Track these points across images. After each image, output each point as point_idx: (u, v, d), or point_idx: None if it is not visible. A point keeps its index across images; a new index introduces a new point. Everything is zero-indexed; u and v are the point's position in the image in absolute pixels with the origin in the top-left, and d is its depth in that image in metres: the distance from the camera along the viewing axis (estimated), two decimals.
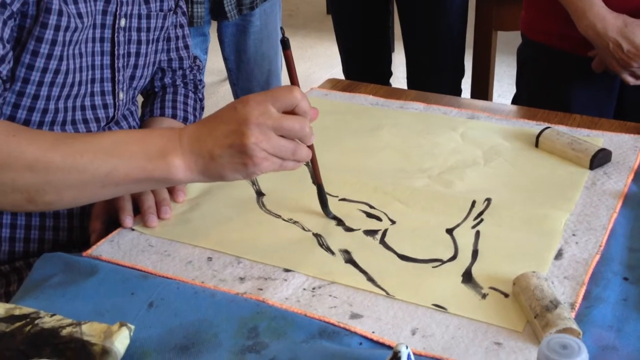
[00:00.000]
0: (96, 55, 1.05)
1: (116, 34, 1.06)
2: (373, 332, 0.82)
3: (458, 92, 2.20)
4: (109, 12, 1.04)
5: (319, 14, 4.45)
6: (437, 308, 0.85)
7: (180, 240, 0.99)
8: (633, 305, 0.84)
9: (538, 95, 1.63)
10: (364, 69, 2.23)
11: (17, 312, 0.82)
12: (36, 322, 0.81)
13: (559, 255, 0.93)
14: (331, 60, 3.65)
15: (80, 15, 0.99)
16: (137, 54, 1.12)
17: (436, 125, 1.29)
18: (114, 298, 0.88)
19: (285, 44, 0.90)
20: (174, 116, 1.21)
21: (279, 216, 1.04)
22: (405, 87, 2.27)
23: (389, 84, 2.30)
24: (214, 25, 1.97)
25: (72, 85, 1.02)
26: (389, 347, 0.78)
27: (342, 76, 2.29)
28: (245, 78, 2.01)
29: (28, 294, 0.90)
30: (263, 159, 0.85)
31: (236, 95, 2.10)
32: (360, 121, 1.32)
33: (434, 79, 2.14)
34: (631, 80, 1.45)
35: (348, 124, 1.31)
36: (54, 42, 0.97)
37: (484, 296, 0.87)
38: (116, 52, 1.07)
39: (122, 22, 1.07)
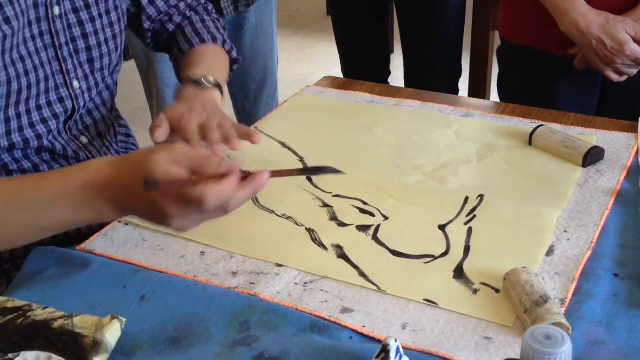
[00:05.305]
0: (40, 52, 1.00)
1: (52, 24, 1.00)
2: (363, 327, 0.82)
3: (455, 92, 2.20)
4: (39, 3, 0.99)
5: (319, 14, 4.45)
6: (428, 303, 0.85)
7: (173, 235, 0.99)
8: (623, 301, 0.85)
9: (520, 95, 1.61)
10: (362, 69, 2.24)
11: (9, 304, 0.83)
12: (28, 314, 0.81)
13: (550, 251, 0.93)
14: (331, 61, 3.65)
15: (8, 21, 0.93)
16: (85, 36, 1.06)
17: (431, 123, 1.29)
18: (106, 291, 0.88)
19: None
20: (202, 41, 1.20)
21: (272, 212, 1.04)
22: (402, 86, 2.27)
23: (387, 84, 2.30)
24: None
25: (19, 92, 0.98)
26: (379, 341, 0.78)
27: (341, 76, 2.29)
28: (241, 74, 2.00)
29: (21, 286, 0.90)
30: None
31: (232, 93, 2.09)
32: (355, 118, 1.32)
33: (431, 79, 2.15)
34: (615, 77, 1.44)
35: (343, 121, 1.31)
36: None
37: (475, 291, 0.87)
38: (57, 43, 1.02)
39: (56, 10, 1.01)
